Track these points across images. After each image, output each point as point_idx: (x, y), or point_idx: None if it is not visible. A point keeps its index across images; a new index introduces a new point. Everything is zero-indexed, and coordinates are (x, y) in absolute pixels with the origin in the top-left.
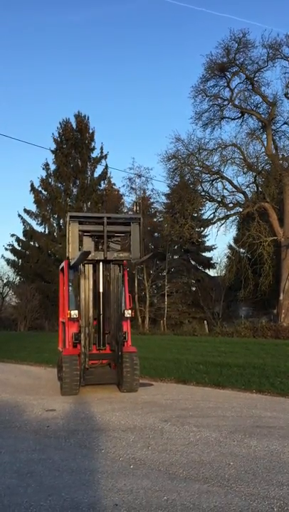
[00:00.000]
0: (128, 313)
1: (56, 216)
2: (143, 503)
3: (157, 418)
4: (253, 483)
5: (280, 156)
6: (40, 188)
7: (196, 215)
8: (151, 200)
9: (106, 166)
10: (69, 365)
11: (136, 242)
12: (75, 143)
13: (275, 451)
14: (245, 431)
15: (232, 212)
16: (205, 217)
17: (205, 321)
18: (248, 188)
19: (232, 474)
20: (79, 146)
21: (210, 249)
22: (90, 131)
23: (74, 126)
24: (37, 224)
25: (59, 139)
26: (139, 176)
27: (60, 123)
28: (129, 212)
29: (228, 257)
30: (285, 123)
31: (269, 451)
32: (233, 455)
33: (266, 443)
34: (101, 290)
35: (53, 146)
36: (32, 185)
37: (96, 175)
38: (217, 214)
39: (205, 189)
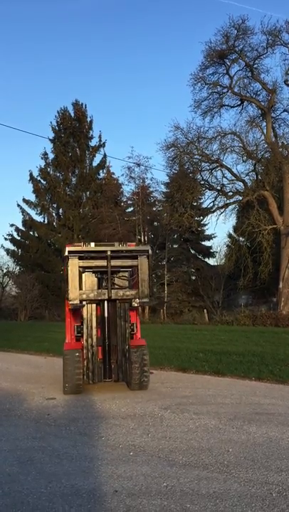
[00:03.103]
0: (137, 302)
1: (55, 206)
2: (142, 489)
3: (157, 406)
4: (252, 469)
5: (280, 144)
6: (39, 178)
7: (195, 203)
8: (151, 189)
9: (104, 155)
10: (70, 360)
11: (144, 279)
12: (73, 132)
13: (274, 438)
14: (244, 418)
15: (231, 200)
16: (204, 206)
17: (205, 310)
18: (248, 177)
19: (231, 460)
20: (77, 134)
21: (209, 238)
22: (88, 119)
23: (72, 114)
24: (36, 214)
25: (57, 128)
26: (138, 165)
27: (58, 112)
28: (129, 202)
29: (227, 245)
30: (284, 110)
31: (268, 437)
32: (232, 442)
33: (265, 430)
34: (106, 315)
35: (52, 135)
36: (31, 174)
37: (95, 164)
38: (216, 203)
39: (204, 178)
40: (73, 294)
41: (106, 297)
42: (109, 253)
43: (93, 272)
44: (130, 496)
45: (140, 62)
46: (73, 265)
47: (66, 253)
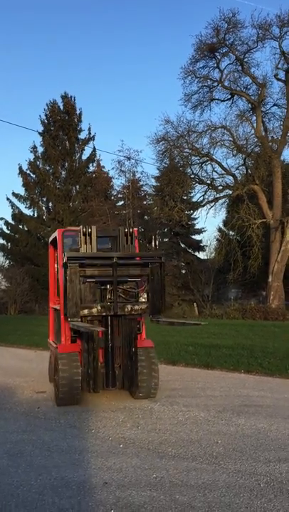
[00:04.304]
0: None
1: (45, 199)
2: (132, 481)
3: (147, 398)
4: (241, 460)
5: (270, 138)
6: (28, 171)
7: (185, 197)
8: (141, 183)
9: (94, 149)
10: (67, 366)
11: (157, 291)
12: (62, 125)
13: (262, 429)
14: (233, 410)
15: (221, 194)
16: (194, 199)
17: (195, 304)
18: (238, 171)
19: (220, 452)
20: (66, 128)
21: (199, 232)
22: (78, 112)
23: (61, 107)
24: (26, 207)
25: (46, 121)
26: (129, 159)
27: (47, 104)
28: (119, 196)
29: (217, 239)
30: (274, 105)
31: (256, 429)
32: (221, 433)
33: (254, 421)
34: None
35: (41, 129)
36: (20, 168)
37: (84, 157)
38: (206, 197)
39: (194, 172)
40: (73, 311)
41: (111, 313)
42: (115, 260)
43: (96, 282)
44: (120, 487)
45: (130, 55)
46: (73, 274)
47: (65, 259)
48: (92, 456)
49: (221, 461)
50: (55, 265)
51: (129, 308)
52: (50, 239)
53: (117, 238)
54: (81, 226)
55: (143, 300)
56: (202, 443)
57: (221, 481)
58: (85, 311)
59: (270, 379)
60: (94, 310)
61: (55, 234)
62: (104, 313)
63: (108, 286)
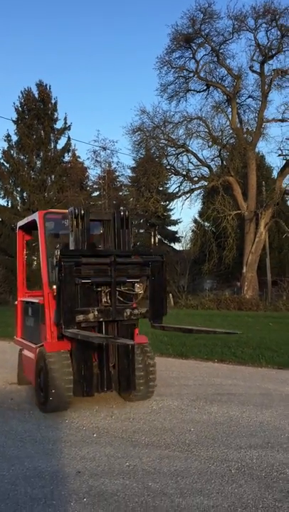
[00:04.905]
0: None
1: (19, 189)
2: (105, 470)
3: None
4: (213, 447)
5: (245, 130)
6: (2, 161)
7: (161, 188)
8: (117, 174)
9: (69, 138)
10: (58, 367)
11: (158, 293)
12: (37, 113)
13: (234, 417)
14: (206, 398)
15: (197, 186)
16: (170, 190)
17: (170, 294)
18: (213, 162)
19: (192, 440)
20: (42, 116)
21: (175, 223)
22: (53, 101)
23: (36, 96)
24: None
25: (21, 109)
26: (104, 149)
27: (21, 92)
28: (95, 186)
29: (193, 230)
30: (249, 96)
31: (228, 416)
32: (194, 421)
33: (226, 409)
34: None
35: (15, 117)
36: None
37: (60, 147)
38: (182, 188)
39: (170, 162)
40: (68, 317)
41: (110, 319)
42: (114, 258)
43: (91, 284)
44: (93, 476)
45: (106, 44)
46: (68, 275)
47: (58, 256)
48: (65, 445)
49: (193, 449)
50: (24, 252)
51: (129, 313)
52: (21, 223)
53: (111, 222)
54: (72, 208)
55: (140, 292)
56: (175, 431)
57: (193, 467)
58: (80, 317)
59: (243, 368)
60: (90, 316)
61: (33, 217)
62: (101, 319)
63: (104, 288)
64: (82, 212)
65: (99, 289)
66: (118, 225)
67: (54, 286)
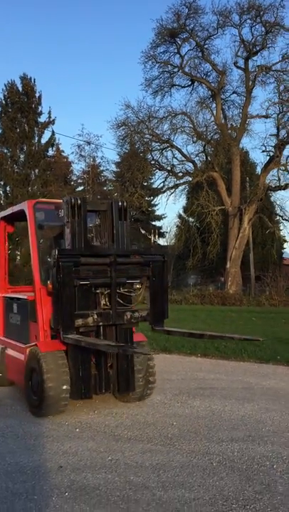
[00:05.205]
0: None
1: (2, 183)
2: (87, 464)
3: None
4: (195, 440)
5: (229, 126)
6: None
7: (145, 183)
8: (101, 168)
9: (53, 132)
10: (54, 368)
11: (158, 294)
12: (21, 106)
13: (216, 411)
14: (189, 393)
15: (181, 181)
16: (155, 186)
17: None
18: (198, 158)
19: (175, 433)
20: (26, 110)
21: (160, 218)
22: (37, 94)
23: (20, 89)
24: None
25: (4, 102)
26: (89, 143)
27: (5, 85)
28: (79, 181)
29: (177, 226)
30: (234, 92)
31: (211, 410)
32: (177, 415)
33: (208, 403)
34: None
35: None
36: None
37: (44, 141)
38: (167, 183)
39: (155, 158)
40: (68, 322)
41: (109, 322)
42: (114, 258)
43: (90, 286)
44: (75, 470)
45: (92, 38)
46: (67, 276)
47: (56, 256)
48: (47, 441)
49: (175, 442)
50: (6, 245)
51: (129, 316)
52: (4, 214)
53: (108, 213)
54: (69, 197)
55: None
56: (158, 425)
57: (175, 461)
58: (79, 321)
59: (225, 362)
60: (89, 320)
61: (20, 207)
62: (100, 323)
63: (103, 290)
64: (79, 201)
65: (98, 291)
66: (116, 217)
67: (49, 282)
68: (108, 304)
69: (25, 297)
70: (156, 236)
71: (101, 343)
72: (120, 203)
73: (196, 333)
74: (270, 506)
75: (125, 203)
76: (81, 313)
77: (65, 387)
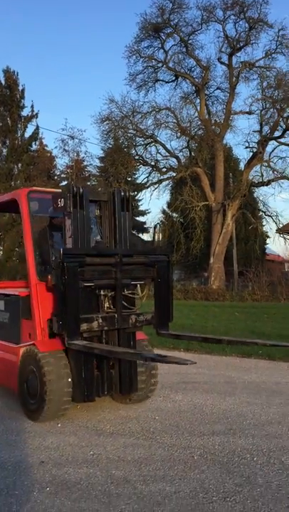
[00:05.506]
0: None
1: None
2: (69, 459)
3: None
4: (176, 434)
5: (213, 122)
6: None
7: (129, 179)
8: (85, 163)
9: (37, 127)
10: (55, 369)
11: (164, 297)
12: (4, 100)
13: (198, 405)
14: (171, 387)
15: (165, 176)
16: (139, 181)
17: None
18: (181, 153)
19: (157, 427)
20: (8, 103)
21: (143, 213)
22: (20, 88)
23: (2, 82)
24: None
25: None
26: (72, 138)
27: None
28: (62, 176)
29: (161, 221)
30: (217, 88)
31: (193, 404)
32: (159, 410)
33: (190, 397)
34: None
35: None
36: None
37: (27, 135)
38: (150, 178)
39: (139, 153)
40: (73, 327)
41: (114, 327)
42: (120, 258)
43: (94, 288)
44: (56, 465)
45: (75, 31)
46: (73, 277)
47: (60, 257)
48: (29, 436)
49: (157, 436)
50: None
51: (134, 320)
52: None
53: (109, 204)
54: (70, 184)
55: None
56: (140, 419)
57: (157, 455)
58: (84, 326)
59: (208, 357)
60: (94, 324)
61: (11, 196)
62: (106, 328)
63: (107, 292)
64: (81, 190)
65: (102, 293)
66: (118, 207)
67: (49, 277)
68: (111, 306)
69: (15, 293)
70: (141, 232)
71: (119, 351)
72: (122, 193)
73: (213, 337)
74: (249, 498)
75: (127, 193)
76: (86, 317)
77: (67, 390)
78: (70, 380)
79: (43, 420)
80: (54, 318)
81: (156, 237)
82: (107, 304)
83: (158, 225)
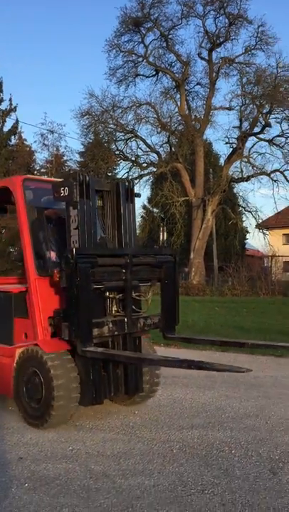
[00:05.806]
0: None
1: None
2: (48, 454)
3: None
4: (156, 428)
5: (193, 117)
6: None
7: (110, 174)
8: (65, 158)
9: (17, 121)
10: (62, 371)
11: (172, 299)
12: None
13: (177, 399)
14: None
15: (146, 172)
16: (119, 176)
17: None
18: (162, 148)
19: (136, 422)
20: None
21: None
22: None
23: None
24: None
25: None
26: (52, 132)
27: None
28: (42, 170)
29: (142, 216)
30: (198, 83)
31: (172, 398)
32: (139, 405)
33: (170, 391)
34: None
35: None
36: None
37: (5, 129)
38: (131, 173)
39: (119, 148)
40: (86, 332)
41: (124, 331)
42: (130, 259)
43: (104, 290)
44: (35, 461)
45: (54, 23)
46: (85, 280)
47: (72, 257)
48: (8, 432)
49: (136, 431)
50: None
51: (142, 324)
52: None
53: (112, 194)
54: (77, 172)
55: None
56: (120, 414)
57: (136, 449)
58: (95, 331)
59: (188, 351)
60: (105, 329)
61: (4, 183)
62: (116, 332)
63: (115, 294)
64: (88, 179)
65: (111, 296)
66: (123, 199)
67: (56, 271)
68: (119, 310)
69: (9, 289)
70: None
71: (155, 358)
72: (126, 183)
73: (234, 341)
74: (227, 490)
75: (131, 184)
76: (96, 321)
77: (74, 394)
78: (78, 385)
79: (49, 427)
80: (64, 324)
81: (161, 236)
82: (115, 308)
83: (163, 224)
